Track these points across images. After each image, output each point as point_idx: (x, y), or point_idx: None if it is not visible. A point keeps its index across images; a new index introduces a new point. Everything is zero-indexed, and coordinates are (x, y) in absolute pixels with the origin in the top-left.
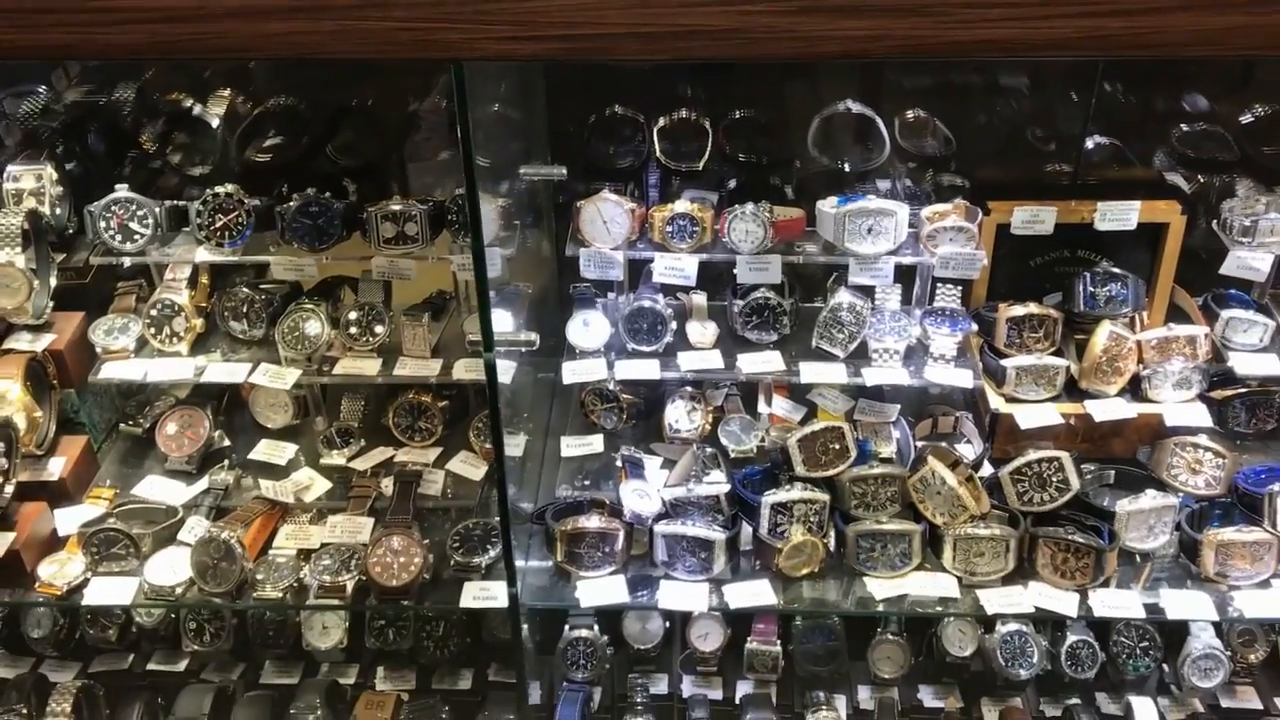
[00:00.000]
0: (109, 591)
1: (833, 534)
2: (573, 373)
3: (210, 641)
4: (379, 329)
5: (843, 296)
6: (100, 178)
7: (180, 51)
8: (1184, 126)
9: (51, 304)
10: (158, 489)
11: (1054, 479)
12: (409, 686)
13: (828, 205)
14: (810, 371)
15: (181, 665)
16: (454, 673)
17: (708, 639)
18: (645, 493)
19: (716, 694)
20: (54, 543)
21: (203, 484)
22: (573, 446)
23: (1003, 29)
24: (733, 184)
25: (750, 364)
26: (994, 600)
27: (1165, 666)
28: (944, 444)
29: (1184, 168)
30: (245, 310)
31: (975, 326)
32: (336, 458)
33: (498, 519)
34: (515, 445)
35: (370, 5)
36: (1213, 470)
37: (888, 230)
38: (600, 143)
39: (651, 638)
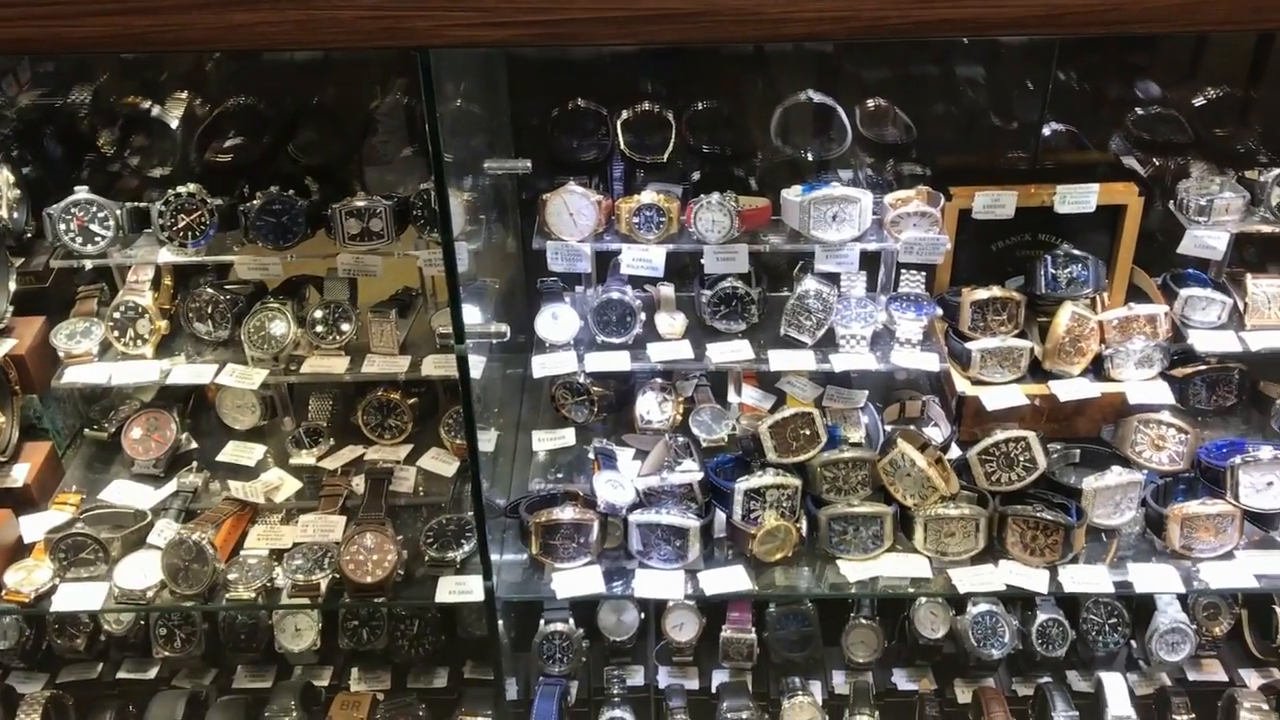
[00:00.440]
0: (78, 597)
1: (805, 519)
2: (542, 366)
3: (181, 647)
4: (346, 327)
5: (809, 284)
6: (58, 181)
7: (143, 45)
8: (1138, 110)
9: (11, 309)
10: (125, 493)
11: (1021, 459)
12: (384, 686)
13: (792, 193)
14: (779, 359)
15: (152, 673)
16: (429, 671)
17: (683, 629)
18: (619, 483)
19: (693, 684)
20: (20, 550)
21: (171, 487)
22: (544, 440)
23: (966, 8)
24: (697, 175)
25: (719, 353)
26: (965, 579)
27: (1133, 642)
28: (912, 427)
29: (1140, 151)
30: (210, 311)
31: (940, 311)
32: (306, 457)
33: (471, 514)
34: (487, 440)
35: None
36: (1176, 446)
37: (852, 217)
38: (563, 136)
39: (627, 630)
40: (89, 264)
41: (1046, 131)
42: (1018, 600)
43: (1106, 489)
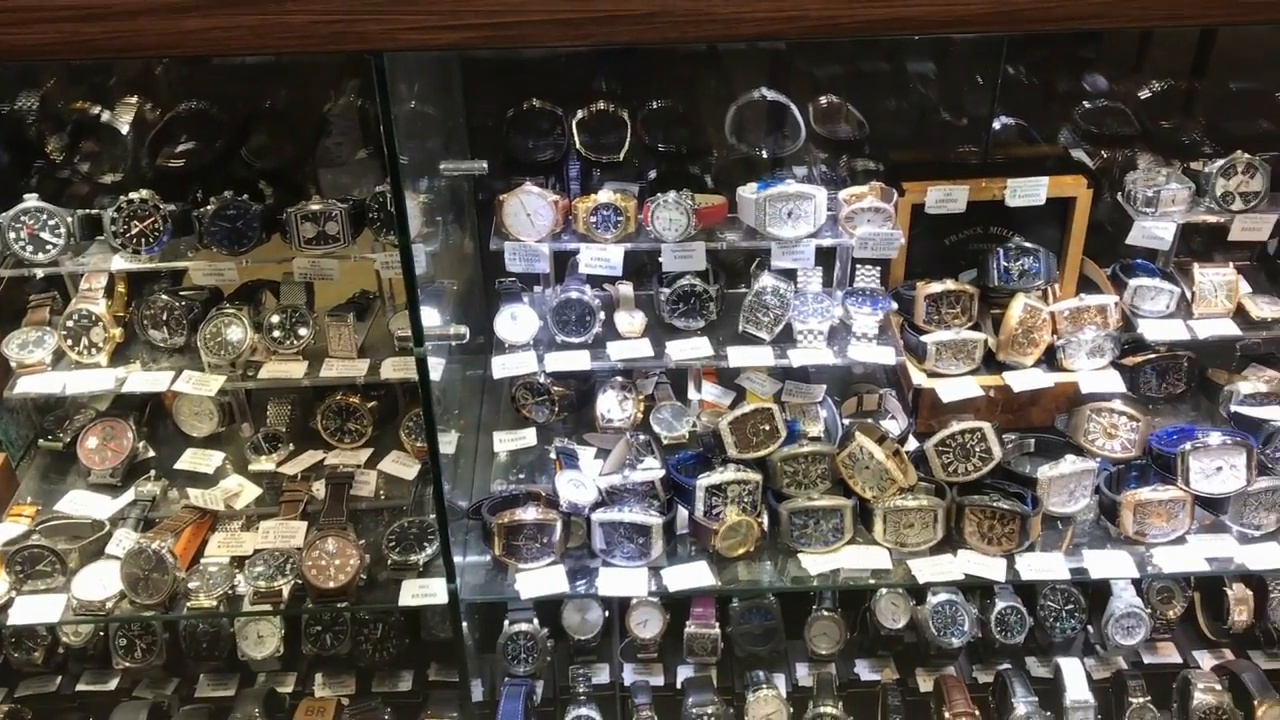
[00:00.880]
0: (36, 610)
1: (766, 514)
2: (502, 367)
3: (142, 658)
4: (303, 331)
5: (766, 280)
6: (6, 189)
7: (93, 52)
8: (1086, 104)
9: None
10: (82, 503)
11: (977, 449)
12: (349, 691)
13: (748, 191)
14: (738, 356)
15: (113, 684)
16: (394, 675)
17: (647, 626)
18: (581, 482)
19: (658, 680)
20: None
21: (129, 496)
22: (505, 441)
23: (915, 7)
24: (654, 174)
25: (679, 351)
26: (925, 569)
27: (1090, 628)
28: (870, 420)
29: (1088, 144)
30: (165, 318)
31: (895, 305)
32: (265, 463)
33: (433, 516)
34: (447, 442)
35: None
36: (1128, 434)
37: (807, 213)
38: (519, 136)
39: (591, 628)
40: (40, 272)
41: (997, 125)
42: (977, 589)
43: (1060, 477)
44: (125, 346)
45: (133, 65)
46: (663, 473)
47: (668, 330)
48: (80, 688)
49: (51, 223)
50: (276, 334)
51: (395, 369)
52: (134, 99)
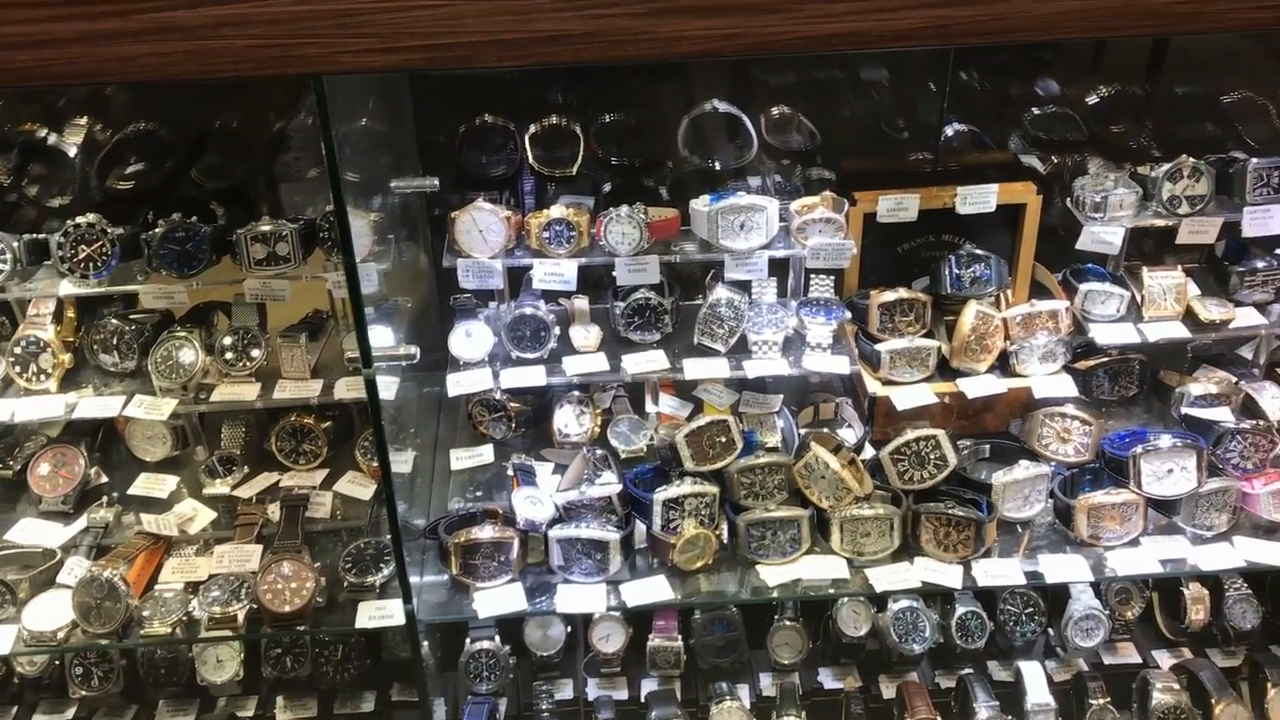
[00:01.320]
0: None
1: (725, 525)
2: (457, 384)
3: (99, 686)
4: (255, 352)
5: (720, 292)
6: None
7: (27, 80)
8: (1035, 110)
9: None
10: (33, 532)
11: (932, 456)
12: (310, 714)
13: (700, 203)
14: (693, 368)
15: (70, 713)
16: (356, 696)
17: (609, 640)
18: (538, 499)
19: (622, 694)
20: None
21: (81, 523)
22: (462, 459)
23: (851, 22)
24: (608, 187)
25: (635, 364)
26: (882, 578)
27: (1051, 630)
28: (826, 430)
29: (1038, 150)
30: (115, 342)
31: (849, 314)
32: (220, 487)
33: (389, 537)
34: (403, 461)
35: (226, 23)
36: (1081, 438)
37: (759, 225)
38: (472, 152)
39: (553, 644)
40: None
41: (950, 132)
42: (937, 595)
43: (1015, 483)
44: (75, 372)
45: (80, 87)
46: (620, 487)
47: (623, 344)
48: (37, 718)
49: None
50: (229, 356)
51: (349, 389)
52: (84, 120)
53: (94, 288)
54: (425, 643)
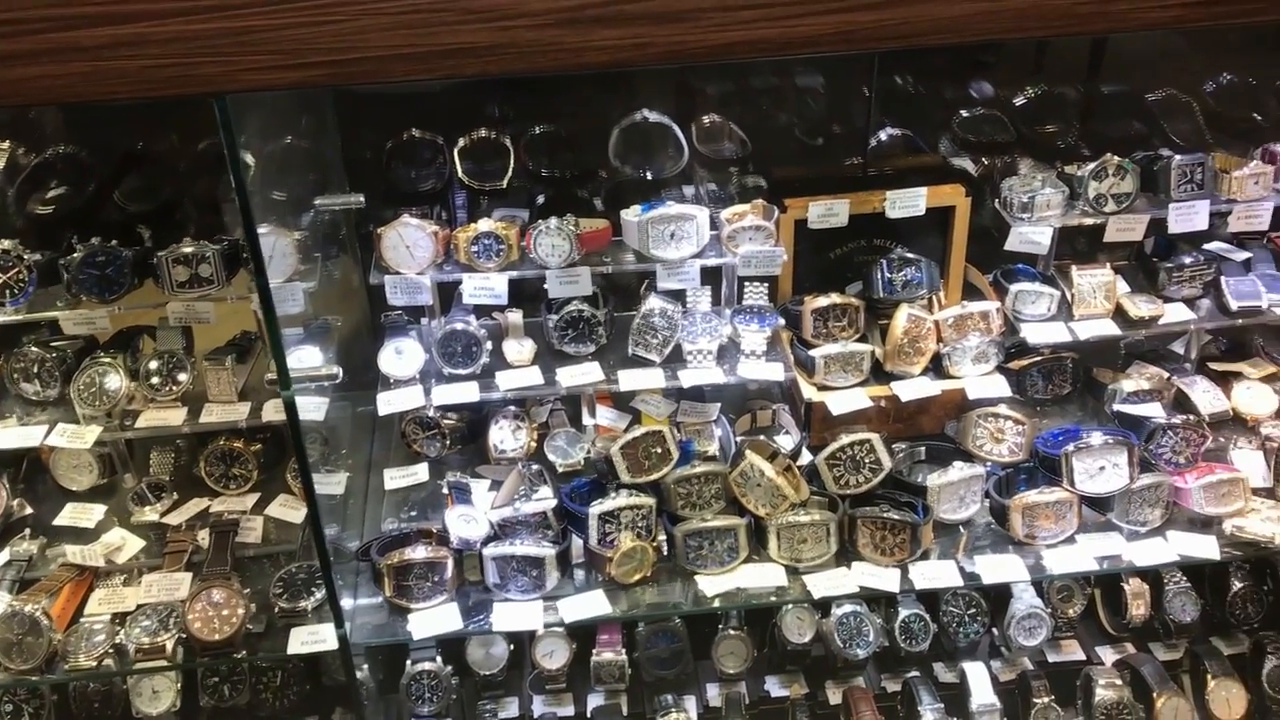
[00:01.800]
0: None
1: (664, 537)
2: (388, 403)
3: None
4: (182, 377)
5: (653, 302)
6: None
7: None
8: (964, 112)
9: None
10: None
11: (867, 460)
12: None
13: (631, 214)
14: (629, 379)
15: None
16: None
17: (553, 657)
18: (471, 517)
19: (568, 710)
20: None
21: (4, 557)
22: (396, 478)
23: (758, 29)
24: (541, 199)
25: (570, 377)
26: (821, 584)
27: (995, 630)
28: (763, 437)
29: (968, 151)
30: (37, 370)
31: (783, 321)
32: (149, 514)
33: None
34: (336, 483)
35: (123, 44)
36: (1014, 438)
37: (690, 234)
38: (400, 167)
39: (496, 663)
40: None
41: (883, 136)
42: (880, 599)
43: (950, 485)
44: None
45: (1, 110)
46: (555, 502)
47: (558, 357)
48: None
49: None
50: (155, 381)
51: (278, 411)
52: (5, 144)
53: (11, 316)
54: (365, 665)
